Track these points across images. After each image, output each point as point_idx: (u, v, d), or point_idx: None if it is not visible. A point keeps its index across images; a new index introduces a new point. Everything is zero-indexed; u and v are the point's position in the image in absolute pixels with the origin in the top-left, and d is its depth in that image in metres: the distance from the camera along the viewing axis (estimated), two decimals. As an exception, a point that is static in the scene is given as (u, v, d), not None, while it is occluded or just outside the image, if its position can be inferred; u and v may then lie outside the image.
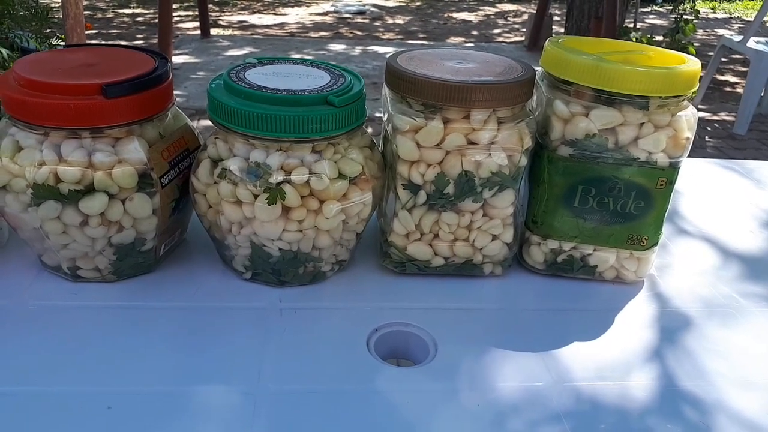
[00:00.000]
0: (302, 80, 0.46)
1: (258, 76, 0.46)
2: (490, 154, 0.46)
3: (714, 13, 6.53)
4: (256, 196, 0.43)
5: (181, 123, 0.49)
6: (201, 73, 3.55)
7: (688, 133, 0.47)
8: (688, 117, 0.47)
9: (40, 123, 0.42)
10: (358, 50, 4.30)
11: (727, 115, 3.28)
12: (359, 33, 4.93)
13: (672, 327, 0.48)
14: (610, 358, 0.45)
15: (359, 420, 0.38)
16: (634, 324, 0.48)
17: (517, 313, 0.49)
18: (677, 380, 0.43)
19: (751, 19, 4.57)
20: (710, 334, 0.48)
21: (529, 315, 0.49)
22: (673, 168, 0.48)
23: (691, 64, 0.47)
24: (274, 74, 0.46)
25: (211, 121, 0.45)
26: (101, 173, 0.42)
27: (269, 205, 0.43)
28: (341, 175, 0.45)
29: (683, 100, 0.47)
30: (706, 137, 2.95)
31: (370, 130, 0.48)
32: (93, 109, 0.42)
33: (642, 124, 0.46)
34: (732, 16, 6.42)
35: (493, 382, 0.41)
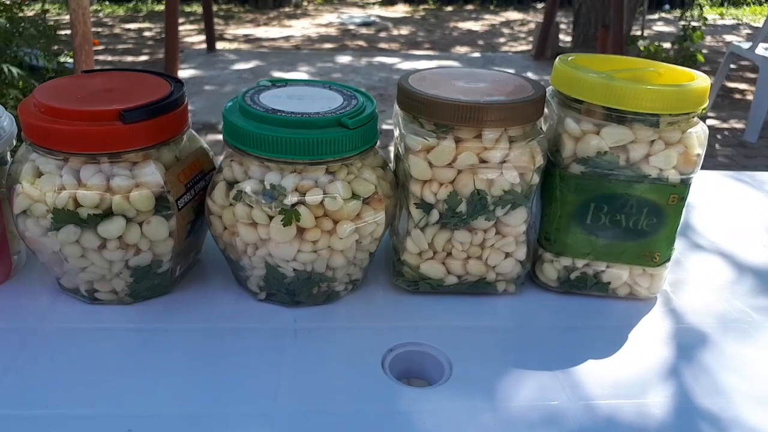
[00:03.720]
0: (315, 103, 0.46)
1: (272, 99, 0.46)
2: (502, 172, 0.47)
3: (722, 19, 6.52)
4: (271, 218, 0.44)
5: (197, 145, 0.49)
6: (208, 87, 3.58)
7: (699, 149, 0.47)
8: (699, 133, 0.47)
9: (60, 149, 0.43)
10: (364, 62, 4.32)
11: (736, 123, 3.27)
12: (364, 44, 4.95)
13: (687, 343, 0.48)
14: (626, 375, 0.45)
15: (376, 441, 0.38)
16: (648, 341, 0.48)
17: (531, 331, 0.49)
18: (693, 397, 0.43)
19: (760, 26, 4.57)
20: (725, 350, 0.48)
21: (544, 333, 0.49)
22: (685, 184, 0.48)
23: (701, 81, 0.47)
24: (287, 97, 0.47)
25: (226, 144, 0.46)
26: (119, 197, 0.43)
27: (284, 226, 0.44)
28: (354, 196, 0.45)
29: (693, 117, 0.47)
30: (717, 145, 2.95)
31: (378, 143, 0.49)
32: (112, 135, 0.42)
33: (653, 141, 0.46)
34: (740, 22, 6.41)
35: (509, 401, 0.42)
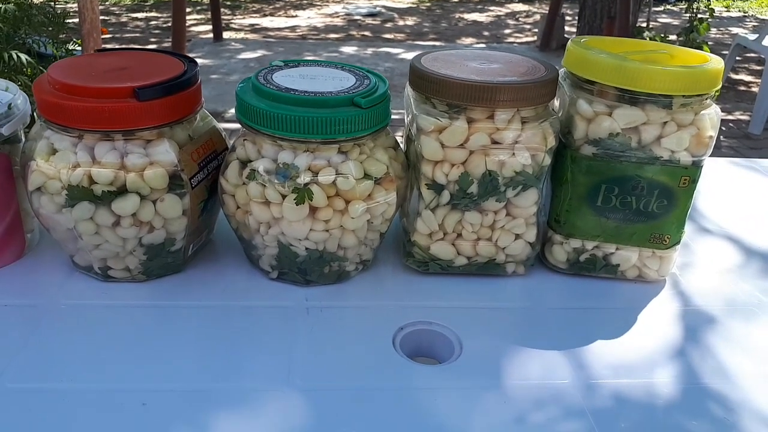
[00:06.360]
0: (328, 82, 0.46)
1: (285, 79, 0.46)
2: (513, 153, 0.47)
3: (728, 11, 6.49)
4: (284, 197, 0.44)
5: (209, 125, 0.50)
6: (214, 76, 3.57)
7: (711, 131, 0.47)
8: (711, 115, 0.47)
9: (75, 126, 0.43)
10: (369, 51, 4.31)
11: (742, 114, 3.26)
12: (370, 35, 4.94)
13: (694, 325, 0.48)
14: (634, 355, 0.45)
15: (387, 417, 0.39)
16: (656, 322, 0.49)
17: (540, 311, 0.49)
18: (701, 377, 0.43)
19: (766, 18, 4.54)
20: (733, 331, 0.48)
21: (553, 314, 0.49)
22: (696, 166, 0.48)
23: (714, 62, 0.47)
24: (300, 76, 0.47)
25: (239, 122, 0.46)
26: (133, 175, 0.43)
27: (297, 205, 0.44)
28: (366, 176, 0.45)
29: (706, 99, 0.47)
30: (721, 137, 2.94)
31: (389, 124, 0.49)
32: (126, 112, 0.42)
33: (665, 123, 0.46)
34: (746, 14, 6.37)
35: (518, 380, 0.42)
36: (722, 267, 0.57)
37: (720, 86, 0.47)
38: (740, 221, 0.65)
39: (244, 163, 0.46)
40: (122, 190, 0.44)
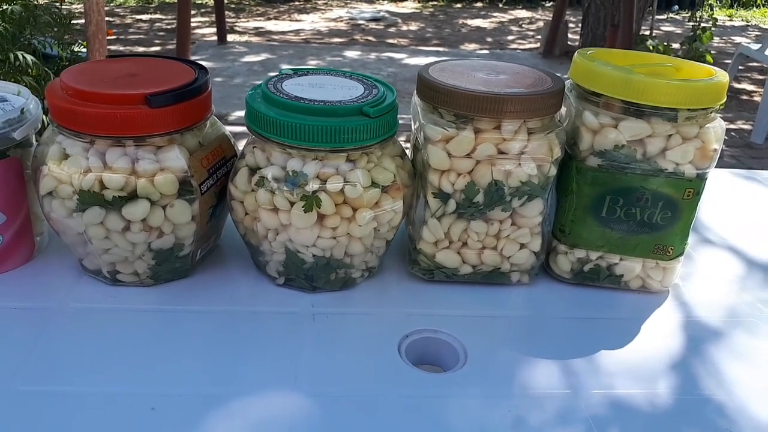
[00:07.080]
0: (337, 91, 0.47)
1: (294, 87, 0.47)
2: (519, 163, 0.47)
3: (731, 20, 6.50)
4: (292, 204, 0.45)
5: (219, 132, 0.50)
6: (218, 78, 3.58)
7: (716, 144, 0.47)
8: (716, 129, 0.48)
9: (87, 131, 0.43)
10: (373, 56, 4.32)
11: (744, 124, 3.27)
12: (374, 39, 4.95)
13: (697, 336, 0.49)
14: (637, 365, 0.45)
15: (392, 424, 0.39)
16: (659, 333, 0.49)
17: (544, 321, 0.50)
18: (703, 388, 0.43)
19: (769, 27, 4.55)
20: (735, 342, 0.48)
21: (556, 323, 0.50)
22: (700, 179, 0.49)
23: (719, 76, 0.47)
24: (309, 85, 0.48)
25: (248, 130, 0.46)
26: (144, 180, 0.44)
27: (305, 212, 0.44)
28: (374, 184, 0.46)
29: (711, 113, 0.47)
30: (723, 146, 2.94)
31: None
32: (137, 118, 0.43)
33: (670, 135, 0.47)
34: (749, 23, 6.39)
35: (523, 389, 0.42)
36: (724, 278, 0.57)
37: (724, 100, 0.47)
38: (742, 232, 0.65)
39: (253, 170, 0.47)
40: (133, 196, 0.44)
